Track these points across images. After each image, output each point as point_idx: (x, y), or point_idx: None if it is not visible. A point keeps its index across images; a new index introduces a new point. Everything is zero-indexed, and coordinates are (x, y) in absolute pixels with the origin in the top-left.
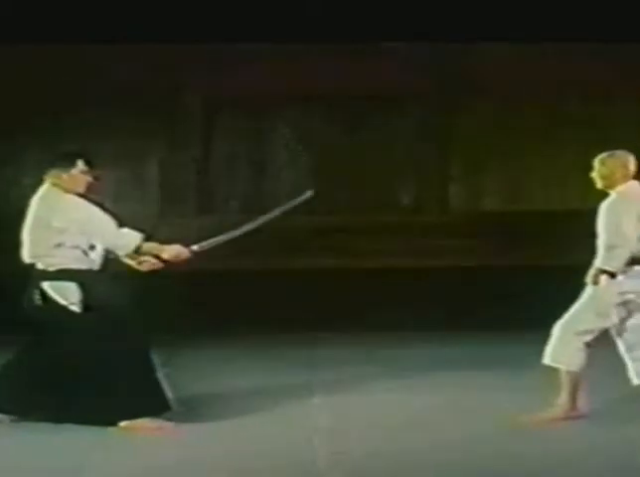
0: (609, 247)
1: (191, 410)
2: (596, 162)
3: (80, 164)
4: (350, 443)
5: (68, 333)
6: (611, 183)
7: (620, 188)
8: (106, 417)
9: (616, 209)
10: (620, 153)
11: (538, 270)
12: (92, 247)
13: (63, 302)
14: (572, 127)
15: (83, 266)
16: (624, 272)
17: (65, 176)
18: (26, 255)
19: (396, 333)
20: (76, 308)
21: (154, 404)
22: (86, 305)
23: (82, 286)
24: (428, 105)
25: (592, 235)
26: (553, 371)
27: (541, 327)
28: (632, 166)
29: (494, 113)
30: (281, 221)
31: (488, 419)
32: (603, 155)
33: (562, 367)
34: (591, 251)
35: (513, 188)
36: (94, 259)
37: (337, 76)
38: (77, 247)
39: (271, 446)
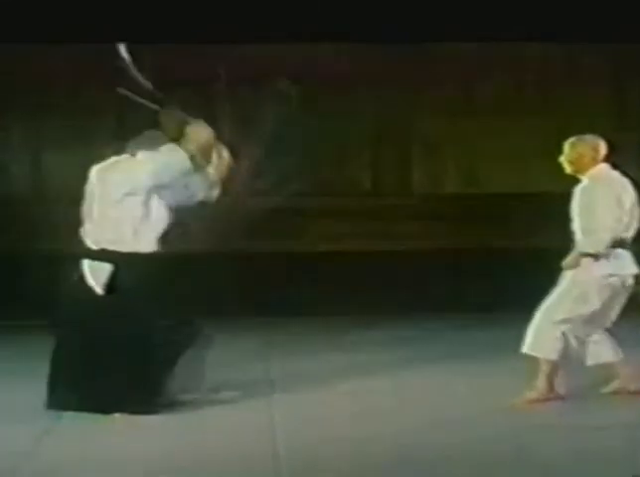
0: (588, 232)
1: None
2: (565, 146)
3: None
4: (310, 433)
5: (89, 316)
6: (580, 167)
7: (591, 172)
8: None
9: (592, 193)
10: (589, 137)
11: (499, 252)
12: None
13: (92, 283)
14: (532, 111)
15: (124, 249)
16: (606, 255)
17: None
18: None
19: (357, 317)
20: (99, 290)
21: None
22: (110, 288)
23: (117, 268)
24: (388, 88)
25: (556, 217)
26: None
27: (507, 309)
28: (602, 150)
29: (451, 96)
30: (237, 204)
31: (457, 404)
32: (572, 139)
33: (540, 355)
34: (556, 233)
35: (474, 170)
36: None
37: (291, 57)
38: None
39: (230, 438)
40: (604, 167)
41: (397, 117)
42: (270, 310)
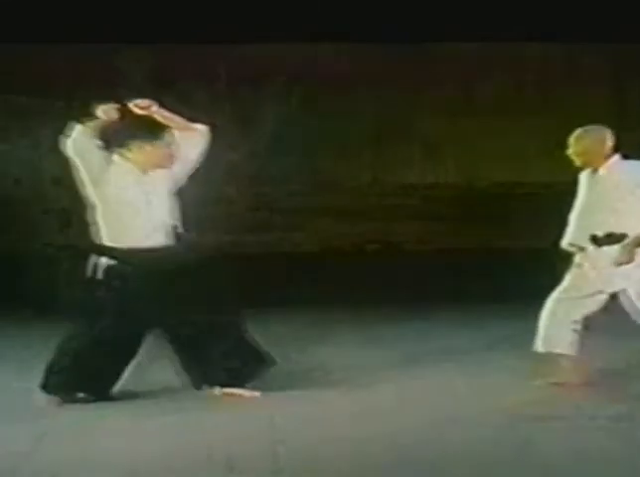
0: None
1: (141, 400)
2: (572, 139)
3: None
4: (310, 433)
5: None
6: (589, 159)
7: (608, 164)
8: None
9: (623, 184)
10: (596, 128)
11: (499, 252)
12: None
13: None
14: (532, 111)
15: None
16: None
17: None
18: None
19: (357, 315)
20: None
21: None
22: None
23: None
24: (386, 87)
25: (554, 216)
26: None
27: (507, 308)
28: (609, 141)
29: (451, 96)
30: (240, 201)
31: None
32: (579, 132)
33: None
34: (554, 232)
35: (472, 169)
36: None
37: (290, 57)
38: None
39: (230, 438)
40: (618, 157)
41: (396, 117)
42: (270, 308)
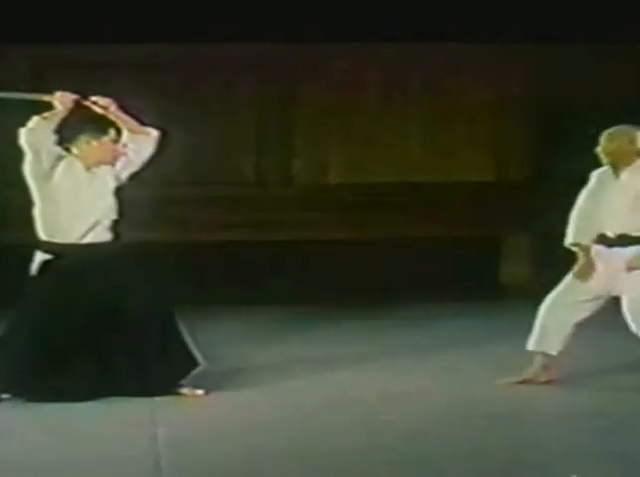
0: None
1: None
2: (603, 138)
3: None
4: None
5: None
6: (618, 159)
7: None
8: None
9: None
10: (626, 128)
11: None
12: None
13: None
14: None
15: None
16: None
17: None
18: None
19: (239, 308)
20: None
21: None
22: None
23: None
24: (271, 75)
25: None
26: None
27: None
28: (639, 142)
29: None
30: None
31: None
32: (610, 131)
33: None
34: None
35: (357, 161)
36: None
37: (173, 41)
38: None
39: (109, 445)
40: None
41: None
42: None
